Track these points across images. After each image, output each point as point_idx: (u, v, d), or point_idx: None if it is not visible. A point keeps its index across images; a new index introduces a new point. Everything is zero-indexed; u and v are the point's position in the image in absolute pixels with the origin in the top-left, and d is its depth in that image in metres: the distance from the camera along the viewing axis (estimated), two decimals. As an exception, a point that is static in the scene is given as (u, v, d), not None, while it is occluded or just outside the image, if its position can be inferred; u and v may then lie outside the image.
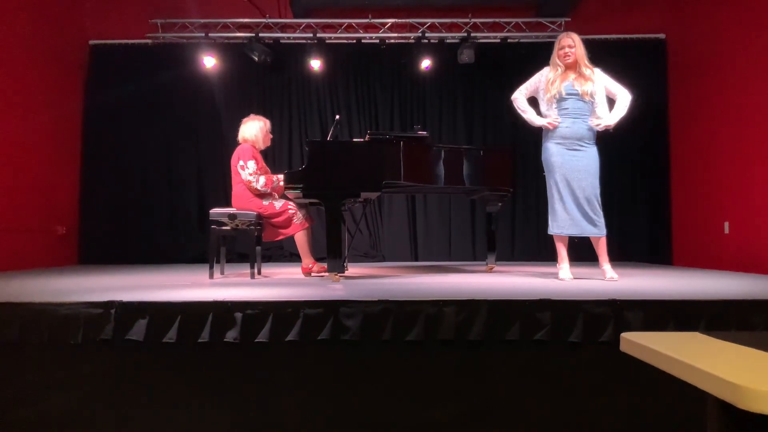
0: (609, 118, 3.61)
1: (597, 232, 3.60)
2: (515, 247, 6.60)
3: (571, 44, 3.62)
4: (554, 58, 3.69)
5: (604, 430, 2.46)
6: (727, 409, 0.94)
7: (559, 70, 3.66)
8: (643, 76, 6.51)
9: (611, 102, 3.71)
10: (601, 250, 3.68)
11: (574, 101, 3.61)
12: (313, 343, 2.46)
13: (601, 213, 3.62)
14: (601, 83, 3.65)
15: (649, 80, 6.45)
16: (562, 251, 3.74)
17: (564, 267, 3.73)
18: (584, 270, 4.25)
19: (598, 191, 3.63)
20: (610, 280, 3.60)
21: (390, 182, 3.72)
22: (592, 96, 3.59)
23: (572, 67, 3.64)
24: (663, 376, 1.18)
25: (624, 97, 3.66)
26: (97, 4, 6.61)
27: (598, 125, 3.62)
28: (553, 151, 3.64)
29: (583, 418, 2.46)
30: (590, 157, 3.62)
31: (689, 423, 2.36)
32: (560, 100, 3.62)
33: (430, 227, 6.66)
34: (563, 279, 3.67)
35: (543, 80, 3.73)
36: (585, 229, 3.60)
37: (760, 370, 0.97)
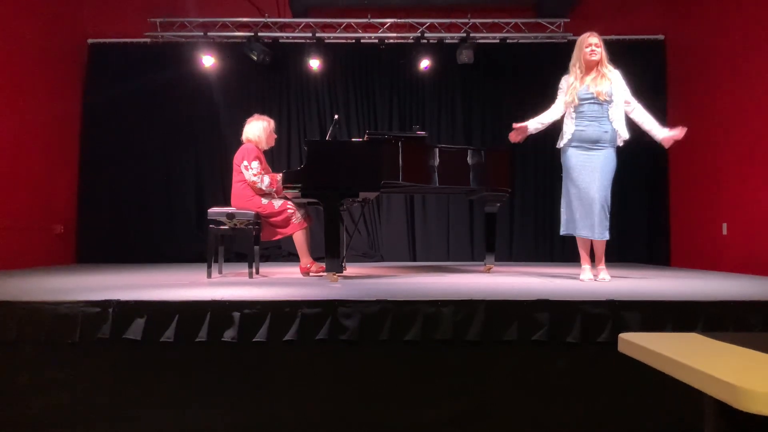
0: (660, 130, 3.66)
1: (599, 235, 3.60)
2: (513, 248, 6.59)
3: (597, 43, 3.64)
4: (575, 59, 3.69)
5: (601, 431, 2.46)
6: (724, 410, 0.94)
7: (577, 73, 3.67)
8: (641, 76, 6.52)
9: None
10: (600, 252, 3.70)
11: (589, 105, 3.63)
12: (311, 342, 2.46)
13: (608, 217, 3.62)
14: (619, 85, 3.66)
15: (648, 81, 6.45)
16: (584, 253, 3.76)
17: (586, 268, 3.76)
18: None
19: (608, 193, 3.62)
20: (601, 281, 3.62)
21: (388, 182, 3.72)
22: (608, 96, 3.60)
23: (594, 66, 3.65)
24: (661, 377, 1.18)
25: (643, 113, 3.71)
26: (96, 3, 6.60)
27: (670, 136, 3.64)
28: (570, 154, 3.67)
29: (581, 419, 2.46)
30: (606, 158, 3.61)
31: (687, 423, 2.36)
32: (577, 105, 3.65)
33: (428, 227, 6.66)
34: (583, 280, 3.68)
35: (565, 86, 3.74)
36: (591, 232, 3.61)
37: (757, 370, 0.97)
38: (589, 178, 3.59)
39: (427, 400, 2.47)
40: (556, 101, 3.77)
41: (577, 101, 3.62)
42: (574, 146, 3.65)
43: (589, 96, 3.61)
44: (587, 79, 3.64)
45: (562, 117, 3.75)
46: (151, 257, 6.20)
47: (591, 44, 3.63)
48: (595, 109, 3.62)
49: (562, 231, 3.76)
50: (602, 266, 3.72)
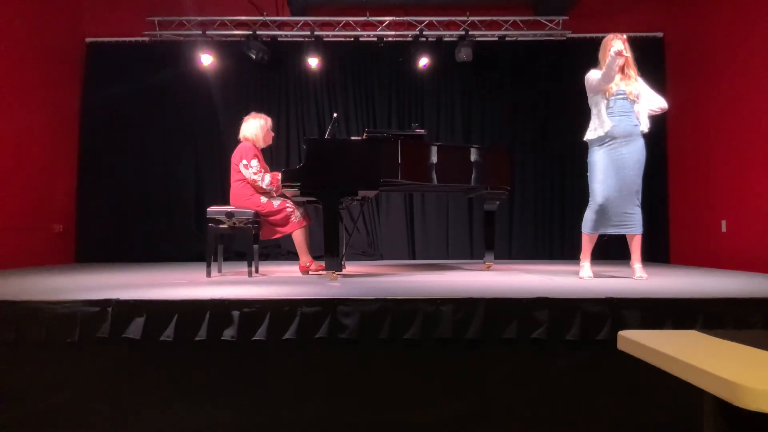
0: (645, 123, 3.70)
1: (632, 230, 3.61)
2: (513, 246, 6.60)
3: (626, 47, 3.65)
4: (603, 59, 3.68)
5: (601, 428, 2.46)
6: (723, 407, 0.94)
7: None
8: (640, 74, 6.51)
9: None
10: (635, 247, 3.68)
11: (619, 100, 3.66)
12: (310, 341, 2.46)
13: (639, 210, 3.64)
14: (643, 88, 3.72)
15: (647, 79, 6.38)
16: (588, 250, 3.76)
17: (585, 265, 3.76)
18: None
19: (640, 187, 3.65)
20: (639, 279, 3.60)
21: (388, 180, 3.72)
22: (636, 97, 3.66)
23: (620, 68, 3.67)
24: (660, 375, 1.18)
25: (663, 101, 3.76)
26: (94, 2, 6.60)
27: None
28: (601, 152, 3.66)
29: (581, 417, 2.46)
30: (637, 151, 3.64)
31: (686, 421, 2.37)
32: (611, 98, 3.66)
33: (427, 226, 6.66)
34: (583, 277, 3.68)
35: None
36: (620, 228, 3.62)
37: (757, 368, 0.97)
38: (621, 174, 3.60)
39: (427, 400, 2.47)
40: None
41: (613, 92, 3.64)
42: (607, 143, 3.64)
43: (621, 93, 3.66)
44: (616, 77, 3.66)
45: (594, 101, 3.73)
46: (150, 256, 6.20)
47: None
48: (624, 105, 3.66)
49: (590, 230, 3.69)
50: (639, 264, 3.70)
